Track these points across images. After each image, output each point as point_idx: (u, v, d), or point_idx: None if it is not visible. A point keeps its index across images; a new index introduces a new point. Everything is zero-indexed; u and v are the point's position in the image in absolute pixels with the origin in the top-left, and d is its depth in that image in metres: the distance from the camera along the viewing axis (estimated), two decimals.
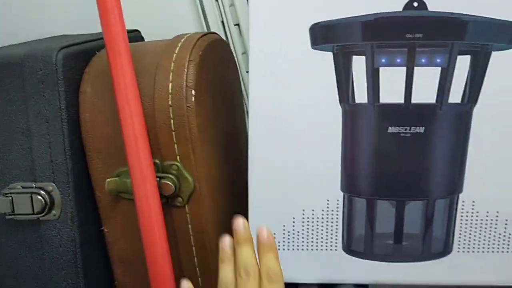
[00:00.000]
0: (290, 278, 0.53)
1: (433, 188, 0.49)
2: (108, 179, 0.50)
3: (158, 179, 0.49)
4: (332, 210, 0.51)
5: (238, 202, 0.53)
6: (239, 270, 0.42)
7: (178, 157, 0.49)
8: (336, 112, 0.48)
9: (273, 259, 0.42)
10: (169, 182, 0.48)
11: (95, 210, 0.53)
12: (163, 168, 0.49)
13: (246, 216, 0.52)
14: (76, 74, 0.51)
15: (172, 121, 0.47)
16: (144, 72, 0.49)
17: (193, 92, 0.47)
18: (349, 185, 0.50)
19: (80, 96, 0.50)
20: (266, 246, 0.42)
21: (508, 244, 0.50)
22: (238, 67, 0.64)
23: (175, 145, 0.48)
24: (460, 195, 0.49)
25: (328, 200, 0.50)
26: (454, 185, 0.49)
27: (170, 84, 0.47)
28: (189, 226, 0.51)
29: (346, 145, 0.49)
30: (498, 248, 0.50)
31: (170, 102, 0.47)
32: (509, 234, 0.50)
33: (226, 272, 0.43)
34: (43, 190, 0.49)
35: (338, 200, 0.50)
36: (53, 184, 0.49)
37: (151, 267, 0.50)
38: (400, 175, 0.49)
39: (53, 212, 0.50)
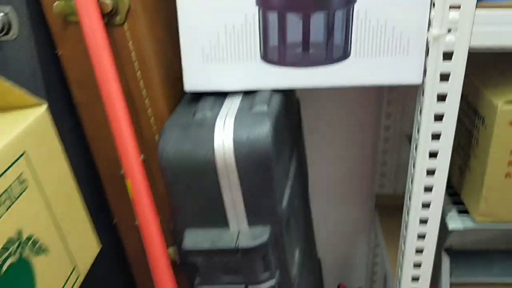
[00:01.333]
0: (219, 87, 0.63)
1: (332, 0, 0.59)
2: (55, 3, 0.58)
3: None
4: (250, 24, 0.60)
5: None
6: None
7: None
8: None
9: None
10: (106, 1, 0.57)
11: (51, 36, 0.62)
12: None
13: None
14: None
15: None
16: None
17: None
18: None
19: None
20: None
21: (396, 48, 0.60)
22: None
23: None
24: (355, 5, 0.59)
25: (246, 15, 0.59)
26: None
27: None
28: (130, 43, 0.60)
29: None
30: (387, 52, 0.61)
31: None
32: (396, 39, 0.60)
33: None
34: (1, 11, 0.58)
35: (254, 15, 0.59)
36: (10, 6, 0.58)
37: (102, 83, 0.60)
38: None
39: (11, 33, 0.59)
